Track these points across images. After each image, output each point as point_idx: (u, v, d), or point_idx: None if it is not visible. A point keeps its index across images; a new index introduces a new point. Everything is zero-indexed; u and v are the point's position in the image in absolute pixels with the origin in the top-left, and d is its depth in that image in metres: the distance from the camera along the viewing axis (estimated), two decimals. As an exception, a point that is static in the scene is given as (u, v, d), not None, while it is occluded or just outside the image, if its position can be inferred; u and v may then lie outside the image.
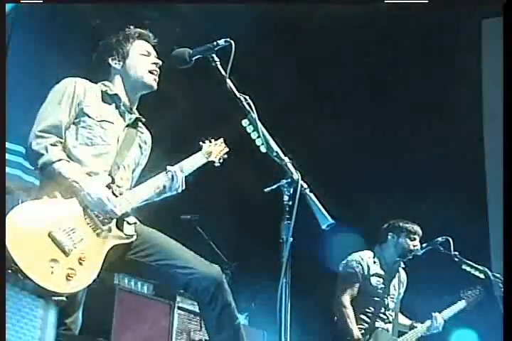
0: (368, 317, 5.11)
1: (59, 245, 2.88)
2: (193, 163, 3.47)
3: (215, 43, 3.08)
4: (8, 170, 5.33)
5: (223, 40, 3.08)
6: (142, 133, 3.48)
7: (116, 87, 3.41)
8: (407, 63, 7.00)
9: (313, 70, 6.97)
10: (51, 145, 3.12)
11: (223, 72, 3.01)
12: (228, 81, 2.99)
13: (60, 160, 3.09)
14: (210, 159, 3.60)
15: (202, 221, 5.50)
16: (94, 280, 2.96)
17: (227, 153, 3.76)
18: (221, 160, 3.69)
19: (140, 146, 3.44)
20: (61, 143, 3.17)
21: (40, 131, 3.14)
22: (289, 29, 6.85)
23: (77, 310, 3.24)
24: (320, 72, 6.98)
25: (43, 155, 3.09)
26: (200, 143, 3.64)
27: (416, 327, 5.22)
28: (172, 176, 3.29)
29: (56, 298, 2.85)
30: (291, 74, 7.01)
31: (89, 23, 6.16)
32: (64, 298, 2.87)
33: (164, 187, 3.28)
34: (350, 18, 6.54)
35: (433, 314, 5.22)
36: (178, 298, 5.14)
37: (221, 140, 3.73)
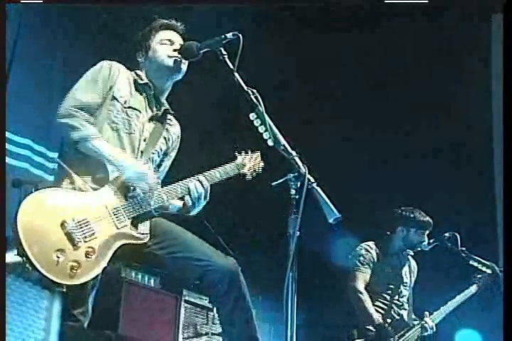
0: (383, 303, 5.12)
1: (69, 236, 2.89)
2: (223, 173, 3.40)
3: (223, 36, 3.09)
4: (15, 163, 5.36)
5: (231, 33, 3.09)
6: (171, 125, 3.46)
7: (145, 78, 3.39)
8: (406, 63, 6.98)
9: (313, 70, 6.96)
10: (87, 121, 3.12)
11: (231, 66, 3.02)
12: (236, 74, 3.00)
13: (97, 137, 3.10)
14: (242, 171, 3.52)
15: (209, 214, 5.49)
16: (96, 276, 2.97)
17: (262, 168, 3.64)
18: (254, 174, 3.59)
19: (166, 139, 3.41)
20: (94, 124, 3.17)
21: (75, 107, 3.12)
22: (289, 29, 6.84)
23: (87, 302, 3.22)
24: (320, 72, 6.96)
25: (79, 129, 3.08)
26: (236, 153, 3.57)
27: (414, 326, 5.14)
28: (196, 186, 3.23)
29: (55, 288, 2.87)
30: (290, 74, 7.01)
31: (96, 18, 6.18)
32: (63, 289, 2.88)
33: (189, 194, 3.23)
34: (351, 18, 6.56)
35: (425, 318, 5.13)
36: (185, 292, 5.14)
37: (258, 154, 3.63)
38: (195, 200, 3.24)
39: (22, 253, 2.75)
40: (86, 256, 2.90)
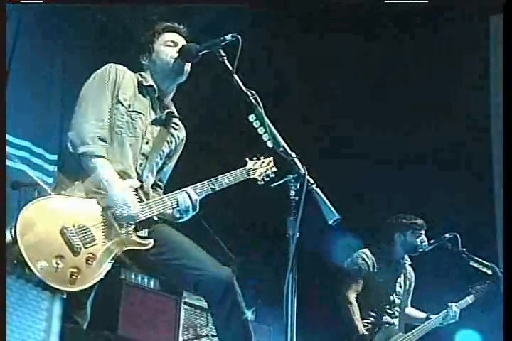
0: (374, 312, 5.12)
1: (68, 242, 2.89)
2: (232, 178, 3.40)
3: (222, 38, 3.10)
4: (14, 165, 5.35)
5: (230, 35, 3.09)
6: (176, 129, 3.46)
7: (150, 80, 3.39)
8: (406, 63, 6.98)
9: (313, 70, 6.95)
10: (99, 138, 3.13)
11: (230, 67, 3.02)
12: (235, 76, 3.00)
13: (101, 156, 3.10)
14: (251, 176, 3.52)
15: (208, 215, 5.49)
16: (97, 282, 2.97)
17: (274, 172, 3.59)
18: (266, 179, 3.56)
19: (169, 142, 3.41)
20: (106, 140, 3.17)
21: (94, 120, 3.14)
22: (289, 29, 6.84)
23: (85, 304, 3.24)
24: (320, 72, 6.96)
25: (88, 144, 3.10)
26: (247, 159, 3.56)
27: (431, 318, 5.20)
28: (184, 199, 3.22)
29: (55, 294, 2.87)
30: (289, 75, 7.01)
31: (95, 19, 6.18)
32: (64, 296, 2.88)
33: (177, 206, 3.23)
34: (351, 18, 6.56)
35: (449, 304, 5.21)
36: (185, 294, 5.14)
37: (270, 159, 3.62)
38: (183, 212, 3.24)
39: (21, 259, 2.75)
40: (86, 263, 2.91)
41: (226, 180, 3.37)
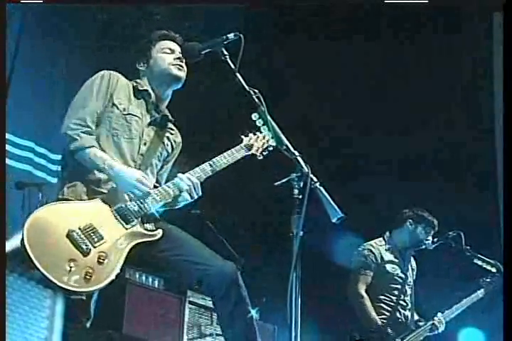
0: (388, 305, 5.09)
1: (77, 245, 2.92)
2: (229, 157, 3.40)
3: (224, 37, 3.09)
4: (18, 165, 5.36)
5: (232, 33, 3.09)
6: (172, 133, 3.49)
7: (145, 86, 3.44)
8: (407, 63, 6.98)
9: (313, 70, 6.96)
10: (84, 133, 3.17)
11: (233, 66, 3.02)
12: (238, 75, 3.00)
13: (92, 146, 3.15)
14: (250, 152, 3.51)
15: (211, 216, 5.49)
16: (114, 278, 2.98)
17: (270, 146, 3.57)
18: (264, 153, 3.56)
19: (165, 144, 3.43)
20: (93, 133, 3.22)
21: (77, 119, 3.19)
22: (289, 29, 6.85)
23: (89, 303, 3.25)
24: (320, 72, 6.96)
25: (76, 140, 3.14)
26: (242, 136, 3.55)
27: (420, 327, 5.10)
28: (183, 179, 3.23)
29: (75, 297, 2.88)
30: (290, 74, 7.02)
31: (95, 19, 6.19)
32: (83, 297, 2.92)
33: (180, 192, 3.24)
34: (351, 18, 6.56)
35: (437, 315, 5.12)
36: (189, 293, 5.14)
37: (265, 133, 3.48)
38: (187, 195, 3.23)
39: (31, 265, 2.77)
40: (98, 261, 2.93)
41: (224, 159, 3.37)
